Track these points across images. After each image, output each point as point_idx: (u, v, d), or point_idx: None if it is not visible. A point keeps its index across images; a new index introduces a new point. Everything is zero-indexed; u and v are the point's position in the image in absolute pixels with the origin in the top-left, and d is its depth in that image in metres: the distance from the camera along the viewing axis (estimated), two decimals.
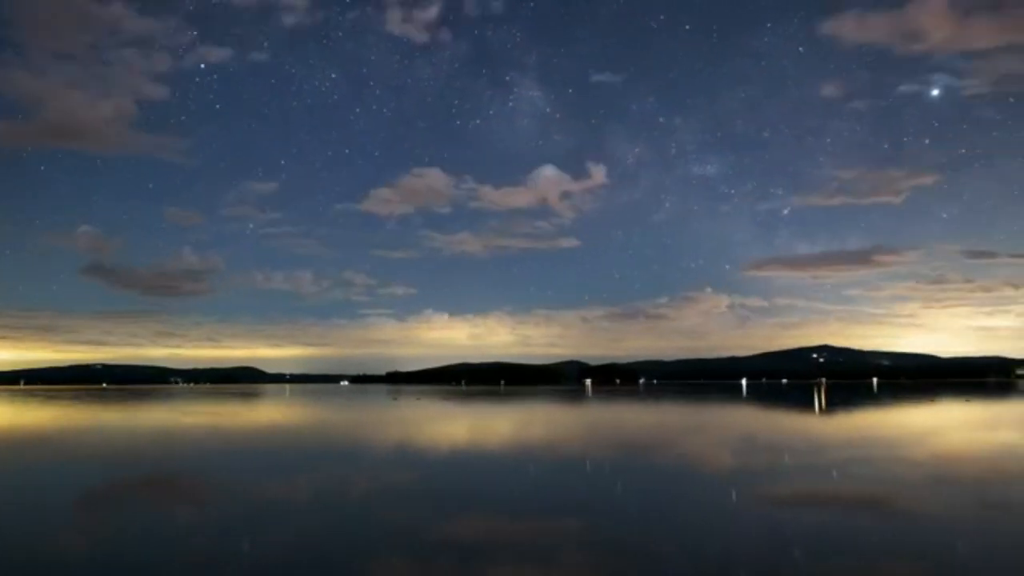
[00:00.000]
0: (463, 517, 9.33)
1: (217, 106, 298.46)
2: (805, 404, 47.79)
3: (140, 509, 10.35)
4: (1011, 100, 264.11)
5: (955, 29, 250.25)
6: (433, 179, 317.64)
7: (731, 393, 79.23)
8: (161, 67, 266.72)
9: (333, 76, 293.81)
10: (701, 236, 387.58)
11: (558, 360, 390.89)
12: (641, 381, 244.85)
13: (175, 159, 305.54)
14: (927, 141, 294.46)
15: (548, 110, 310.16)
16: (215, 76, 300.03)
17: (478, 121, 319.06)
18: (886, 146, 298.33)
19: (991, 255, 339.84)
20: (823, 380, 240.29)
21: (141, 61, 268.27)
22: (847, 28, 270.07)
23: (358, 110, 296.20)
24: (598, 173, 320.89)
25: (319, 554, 7.40)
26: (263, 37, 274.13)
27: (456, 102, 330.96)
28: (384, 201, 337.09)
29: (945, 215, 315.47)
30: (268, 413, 41.23)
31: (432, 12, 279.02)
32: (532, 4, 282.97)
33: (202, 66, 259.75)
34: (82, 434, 25.13)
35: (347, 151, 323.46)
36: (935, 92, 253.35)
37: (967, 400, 51.85)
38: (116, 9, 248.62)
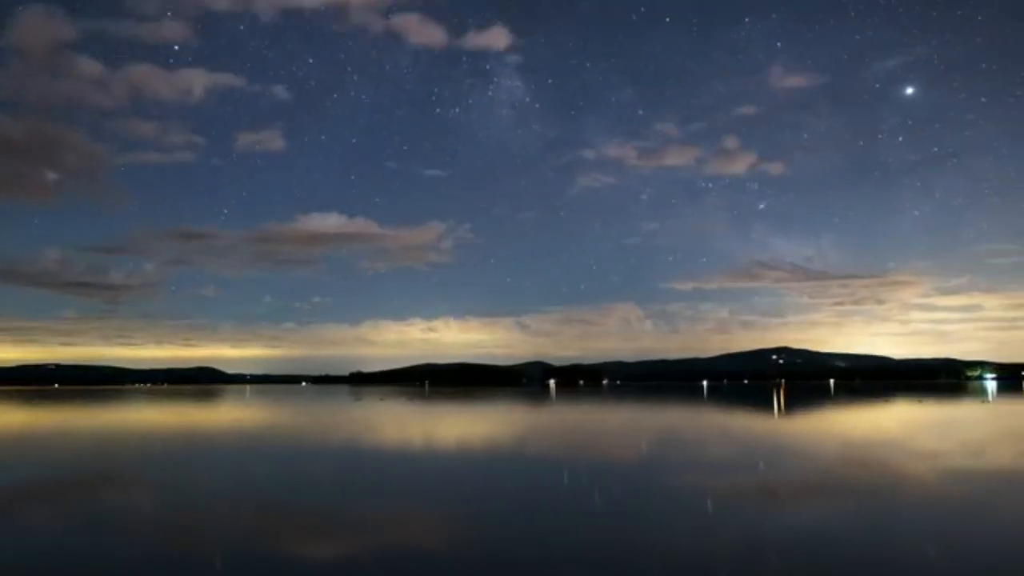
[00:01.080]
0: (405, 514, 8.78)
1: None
2: (755, 405, 48.26)
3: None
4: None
5: None
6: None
7: (691, 394, 79.78)
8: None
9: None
10: (676, 234, 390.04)
11: (522, 361, 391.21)
12: (605, 382, 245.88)
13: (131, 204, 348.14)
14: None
15: (528, 100, 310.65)
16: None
17: (456, 110, 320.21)
18: (861, 143, 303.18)
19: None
20: (781, 381, 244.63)
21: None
22: None
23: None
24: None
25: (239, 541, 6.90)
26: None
27: (436, 89, 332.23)
28: (320, 227, 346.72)
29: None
30: (206, 415, 39.89)
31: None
32: None
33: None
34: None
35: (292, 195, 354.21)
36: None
37: (920, 401, 52.85)
38: None
